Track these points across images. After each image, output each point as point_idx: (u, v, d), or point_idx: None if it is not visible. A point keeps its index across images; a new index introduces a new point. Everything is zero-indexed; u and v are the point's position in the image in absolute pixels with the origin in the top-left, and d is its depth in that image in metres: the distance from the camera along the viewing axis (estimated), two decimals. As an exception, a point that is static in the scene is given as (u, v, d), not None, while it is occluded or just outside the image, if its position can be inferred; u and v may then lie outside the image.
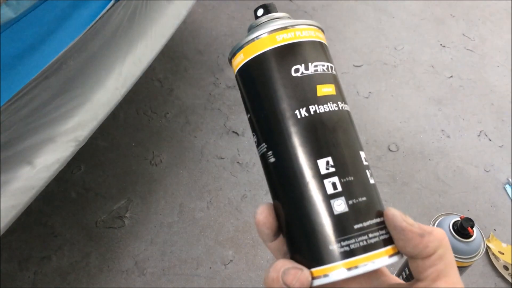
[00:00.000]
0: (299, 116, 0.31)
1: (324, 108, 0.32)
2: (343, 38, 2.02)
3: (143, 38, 1.03)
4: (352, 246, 0.29)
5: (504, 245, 1.39)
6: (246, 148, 1.58)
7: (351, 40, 2.02)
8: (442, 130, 1.69)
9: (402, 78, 1.88)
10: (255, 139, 0.34)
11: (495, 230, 1.43)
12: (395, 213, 0.30)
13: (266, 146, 0.33)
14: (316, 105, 0.31)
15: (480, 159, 1.61)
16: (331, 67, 0.34)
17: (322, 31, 0.36)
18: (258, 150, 0.34)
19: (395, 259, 0.31)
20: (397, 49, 2.00)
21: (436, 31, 2.10)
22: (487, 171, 1.58)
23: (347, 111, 0.33)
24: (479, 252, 1.11)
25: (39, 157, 0.81)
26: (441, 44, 2.03)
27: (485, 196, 1.51)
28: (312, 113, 0.31)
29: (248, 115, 0.34)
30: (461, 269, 1.14)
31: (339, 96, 0.33)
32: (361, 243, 0.29)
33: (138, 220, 1.40)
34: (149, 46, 1.05)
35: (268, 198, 0.34)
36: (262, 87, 0.33)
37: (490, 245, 1.38)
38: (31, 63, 0.73)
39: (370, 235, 0.30)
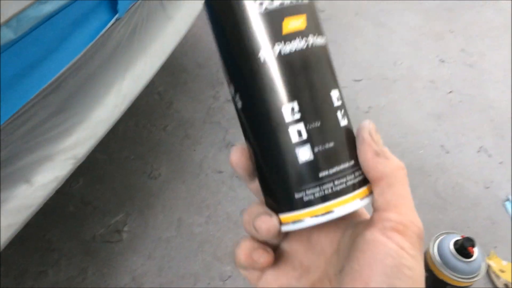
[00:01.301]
0: (262, 59, 0.28)
1: (290, 47, 0.28)
2: (343, 53, 2.03)
3: (142, 55, 1.03)
4: (318, 194, 0.28)
5: (504, 263, 1.38)
6: (245, 162, 1.58)
7: (351, 55, 2.03)
8: (442, 146, 1.69)
9: (401, 93, 1.88)
10: (226, 81, 0.32)
11: (495, 247, 1.42)
12: (366, 124, 0.30)
13: (234, 89, 0.30)
14: (281, 44, 0.28)
15: (479, 176, 1.61)
16: None
17: None
18: (229, 92, 0.31)
19: (367, 201, 0.30)
20: (397, 64, 2.00)
21: (435, 47, 2.10)
22: (487, 188, 1.57)
23: (320, 45, 0.30)
24: (480, 271, 1.10)
25: (37, 176, 0.80)
26: (440, 60, 2.04)
27: (485, 213, 1.51)
28: (276, 54, 0.28)
29: (219, 56, 0.32)
30: (461, 289, 1.13)
31: (311, 28, 0.30)
32: (328, 191, 0.28)
33: (136, 234, 1.39)
34: (148, 63, 1.05)
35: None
36: (225, 26, 0.30)
37: (490, 263, 1.36)
38: (30, 83, 0.73)
39: (337, 182, 0.29)
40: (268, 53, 0.28)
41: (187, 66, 1.90)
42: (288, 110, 0.28)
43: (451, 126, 1.76)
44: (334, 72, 0.31)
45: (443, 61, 2.03)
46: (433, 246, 1.16)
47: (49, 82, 0.76)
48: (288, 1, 0.29)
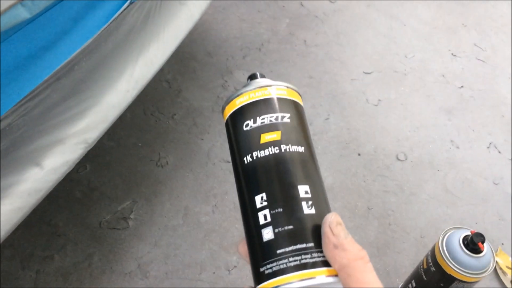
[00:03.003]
0: (246, 162, 0.38)
1: (265, 153, 0.38)
2: (354, 44, 2.01)
3: (155, 40, 1.02)
4: (275, 268, 0.34)
5: (511, 259, 1.37)
6: (253, 152, 1.57)
7: (362, 46, 2.01)
8: (452, 141, 1.68)
9: (412, 86, 1.86)
10: None
11: (503, 244, 1.42)
12: (328, 218, 0.34)
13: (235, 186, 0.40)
14: (258, 151, 0.38)
15: (489, 172, 1.59)
16: (282, 116, 0.40)
17: (286, 88, 0.42)
18: None
19: (332, 280, 0.33)
20: (408, 57, 1.98)
21: (448, 40, 2.08)
22: (496, 184, 1.56)
23: (294, 152, 0.38)
24: (489, 267, 1.09)
25: (48, 159, 0.80)
26: (452, 54, 2.02)
27: (493, 209, 1.50)
28: (255, 158, 0.38)
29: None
30: (469, 284, 1.12)
31: (285, 140, 0.38)
32: (283, 265, 0.33)
33: (142, 222, 1.39)
34: (161, 49, 1.03)
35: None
36: (229, 140, 0.42)
37: (497, 259, 1.36)
38: (44, 64, 0.72)
39: (292, 259, 0.33)
40: (249, 157, 0.38)
41: (196, 54, 1.89)
42: (259, 199, 0.36)
43: (462, 121, 1.75)
44: (308, 172, 0.38)
45: (455, 55, 2.01)
46: (442, 240, 1.15)
47: (63, 64, 0.75)
48: (267, 121, 0.39)
